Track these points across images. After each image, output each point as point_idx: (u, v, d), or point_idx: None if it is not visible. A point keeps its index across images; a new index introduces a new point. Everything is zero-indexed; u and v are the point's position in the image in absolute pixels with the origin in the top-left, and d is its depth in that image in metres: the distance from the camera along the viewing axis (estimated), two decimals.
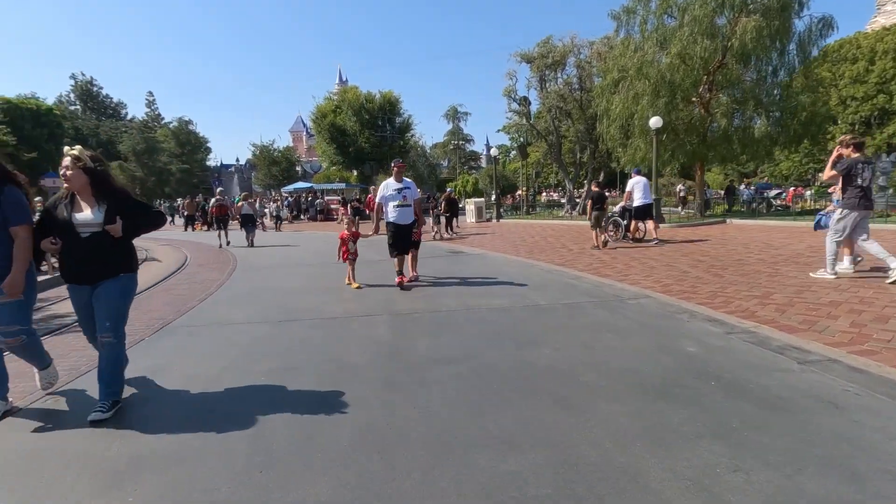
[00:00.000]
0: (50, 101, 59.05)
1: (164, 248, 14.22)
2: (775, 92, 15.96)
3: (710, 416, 2.76)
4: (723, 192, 23.64)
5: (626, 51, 17.40)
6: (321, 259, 10.63)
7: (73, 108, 71.42)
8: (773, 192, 18.87)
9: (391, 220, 6.76)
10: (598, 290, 6.39)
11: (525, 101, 24.16)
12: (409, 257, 7.15)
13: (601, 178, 24.43)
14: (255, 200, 28.83)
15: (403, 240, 6.83)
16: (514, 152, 70.73)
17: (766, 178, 21.76)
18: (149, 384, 3.50)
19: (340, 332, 4.74)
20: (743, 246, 10.00)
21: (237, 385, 3.39)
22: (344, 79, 71.79)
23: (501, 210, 23.07)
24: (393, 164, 7.02)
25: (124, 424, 2.88)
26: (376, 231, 7.17)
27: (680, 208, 20.81)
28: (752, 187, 21.87)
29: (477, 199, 22.11)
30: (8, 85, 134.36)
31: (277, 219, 22.66)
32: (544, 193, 34.84)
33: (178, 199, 30.73)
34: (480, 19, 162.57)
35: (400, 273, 6.85)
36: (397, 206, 6.73)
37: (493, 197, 23.50)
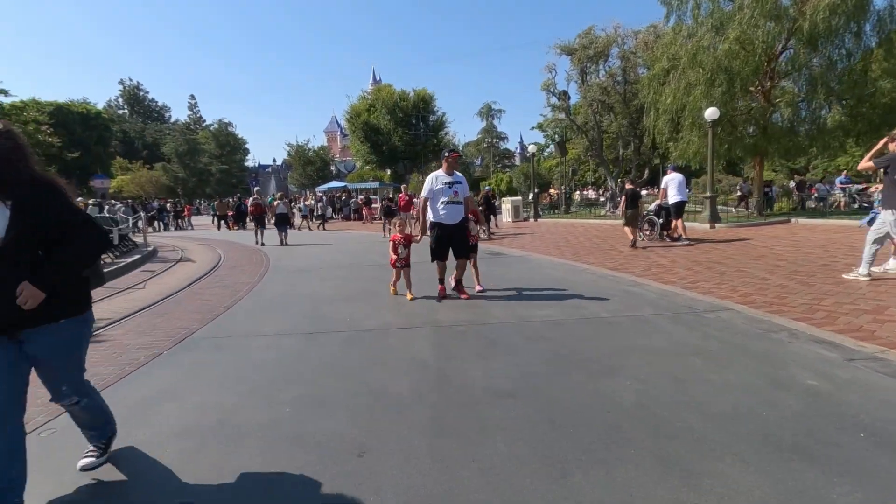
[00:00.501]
0: (100, 105, 61.96)
1: (199, 248, 14.16)
2: (846, 78, 14.45)
3: (881, 489, 2.01)
4: (782, 188, 21.86)
5: (676, 38, 16.21)
6: (356, 260, 10.18)
7: (121, 112, 74.75)
8: (857, 188, 17.12)
9: (438, 219, 5.82)
10: (666, 299, 5.59)
11: (564, 96, 23.17)
12: (469, 264, 6.23)
13: (645, 174, 23.20)
14: (299, 200, 29.01)
15: (450, 242, 5.87)
16: (549, 149, 69.04)
17: (844, 172, 19.77)
18: (156, 417, 2.99)
19: (377, 349, 4.16)
20: (821, 248, 8.89)
21: (256, 423, 2.82)
22: (378, 78, 71.99)
23: (539, 209, 22.19)
24: (446, 153, 6.01)
25: (110, 487, 2.33)
26: (424, 232, 6.18)
27: (735, 207, 19.31)
28: (826, 182, 19.99)
29: (514, 198, 21.29)
30: (61, 90, 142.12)
31: (322, 217, 22.38)
32: (577, 192, 33.01)
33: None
34: (516, 14, 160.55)
35: (443, 282, 6.07)
36: (447, 202, 5.76)
37: (531, 195, 22.61)
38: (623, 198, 10.71)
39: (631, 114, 21.11)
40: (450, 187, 5.78)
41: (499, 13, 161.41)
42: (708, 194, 14.09)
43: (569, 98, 23.38)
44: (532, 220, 21.39)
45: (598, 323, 4.72)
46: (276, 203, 16.14)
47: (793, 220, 14.19)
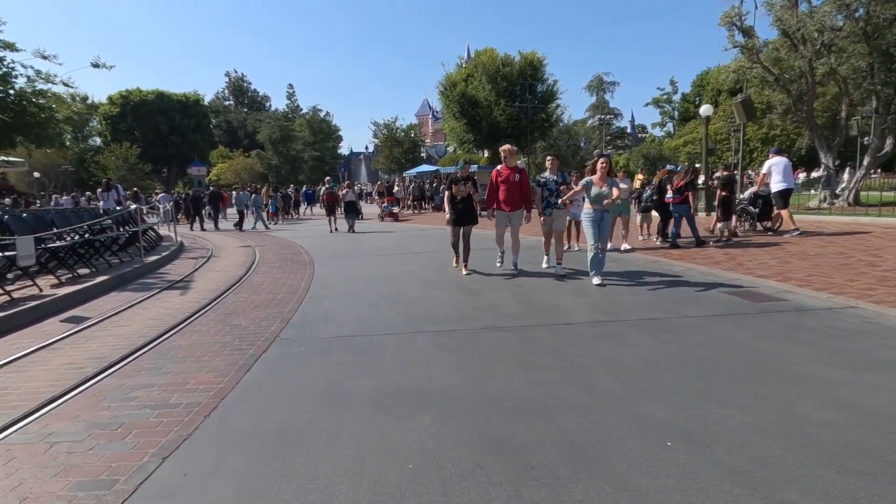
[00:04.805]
0: (208, 97, 63.76)
1: (233, 254, 9.89)
2: None
3: None
4: None
5: None
6: (455, 308, 4.88)
7: (227, 103, 77.44)
8: None
9: None
10: None
11: (752, 32, 15.91)
12: None
13: (888, 145, 15.29)
14: (393, 185, 24.85)
15: None
16: (668, 126, 57.90)
17: None
18: None
19: None
20: None
21: None
22: (472, 56, 66.42)
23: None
24: None
25: None
26: None
27: None
28: None
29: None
30: (177, 82, 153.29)
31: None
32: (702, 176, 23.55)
33: (310, 187, 28.37)
34: None
35: None
36: None
37: (702, 178, 15.91)
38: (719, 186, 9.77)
39: (874, 53, 13.47)
40: None
41: None
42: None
43: (756, 37, 16.09)
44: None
45: None
46: (344, 191, 12.84)
47: None
